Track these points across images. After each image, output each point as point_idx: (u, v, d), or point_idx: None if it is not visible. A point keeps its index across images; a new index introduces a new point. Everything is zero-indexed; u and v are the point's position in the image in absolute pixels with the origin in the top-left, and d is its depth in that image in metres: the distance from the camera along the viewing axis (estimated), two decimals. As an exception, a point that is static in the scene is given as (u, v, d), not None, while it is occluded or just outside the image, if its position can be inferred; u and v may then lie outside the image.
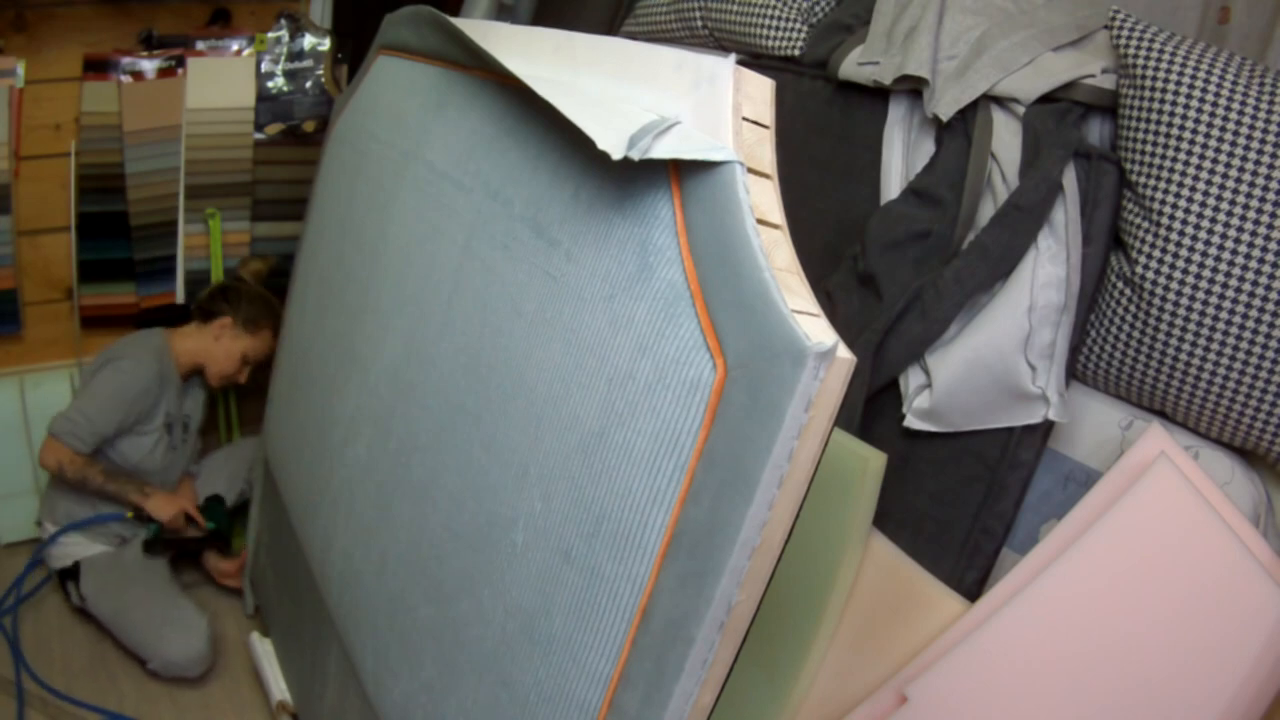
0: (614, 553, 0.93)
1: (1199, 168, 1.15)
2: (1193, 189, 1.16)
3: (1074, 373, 1.33)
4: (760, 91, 0.92)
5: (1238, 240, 1.13)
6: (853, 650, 1.36)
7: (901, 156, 1.45)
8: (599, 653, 0.94)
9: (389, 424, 1.38)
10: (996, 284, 1.31)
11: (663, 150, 0.88)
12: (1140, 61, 1.21)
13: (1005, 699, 1.19)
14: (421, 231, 1.37)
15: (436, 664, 1.20)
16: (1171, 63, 1.18)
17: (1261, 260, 1.11)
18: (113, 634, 2.09)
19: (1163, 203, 1.18)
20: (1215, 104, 1.15)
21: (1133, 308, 1.23)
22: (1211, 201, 1.14)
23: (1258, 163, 1.12)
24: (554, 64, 1.16)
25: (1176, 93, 1.17)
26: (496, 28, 1.31)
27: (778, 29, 1.63)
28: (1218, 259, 1.14)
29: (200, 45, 2.38)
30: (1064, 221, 1.27)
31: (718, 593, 0.83)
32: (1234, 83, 1.15)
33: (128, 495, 2.11)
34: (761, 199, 0.88)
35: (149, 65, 2.33)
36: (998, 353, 1.27)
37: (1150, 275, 1.19)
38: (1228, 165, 1.14)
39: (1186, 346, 1.17)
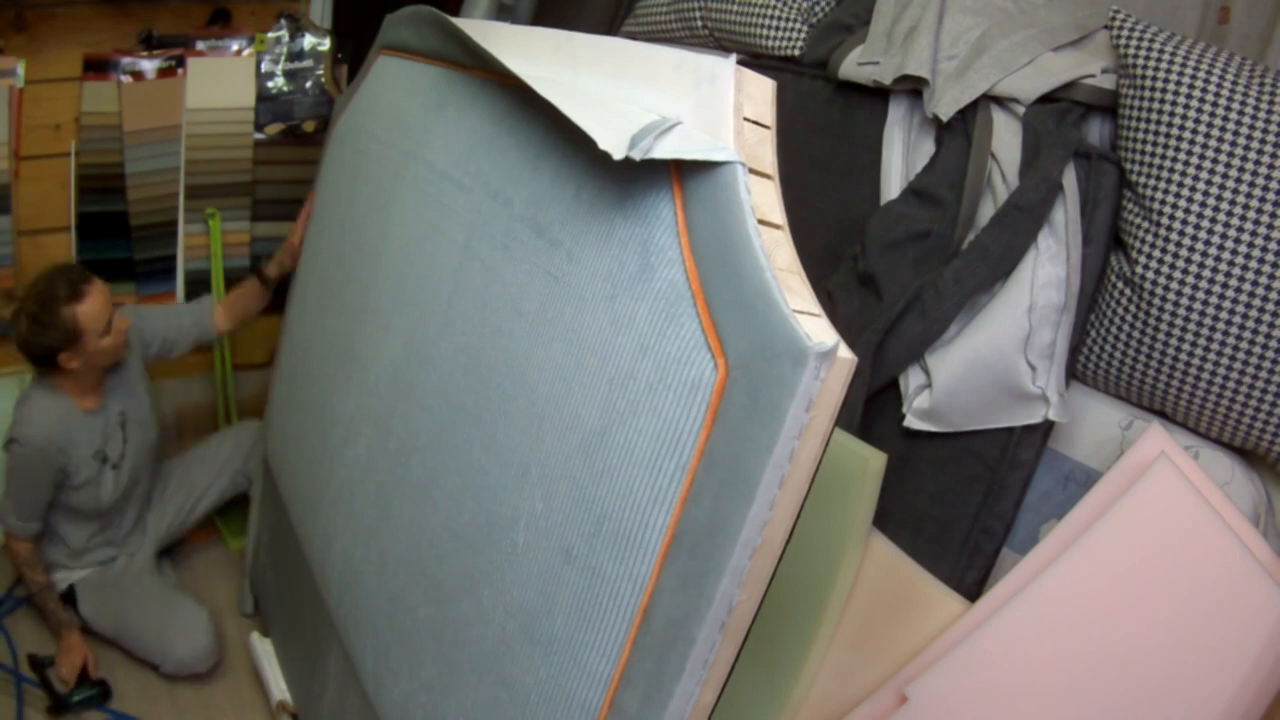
0: (615, 552, 0.93)
1: (1199, 168, 1.15)
2: (1193, 189, 1.16)
3: (1074, 373, 1.33)
4: (761, 92, 0.92)
5: (1238, 240, 1.13)
6: (853, 650, 1.36)
7: (901, 156, 1.45)
8: (600, 653, 0.94)
9: (389, 424, 1.38)
10: (996, 284, 1.32)
11: (664, 150, 0.88)
12: (1140, 61, 1.21)
13: (1005, 699, 1.19)
14: (422, 231, 1.37)
15: (436, 664, 1.20)
16: (1171, 63, 1.18)
17: (1261, 260, 1.11)
18: (121, 646, 2.08)
19: (1163, 203, 1.18)
20: (1215, 104, 1.15)
21: (1133, 308, 1.23)
22: (1211, 201, 1.15)
23: (1258, 163, 1.12)
24: (554, 64, 1.16)
25: (1176, 93, 1.17)
26: (496, 28, 1.31)
27: (778, 29, 1.63)
28: (1218, 259, 1.14)
29: (200, 45, 2.38)
30: (1064, 221, 1.27)
31: (719, 592, 0.83)
32: (1234, 83, 1.15)
33: (51, 616, 2.05)
34: (763, 199, 0.88)
35: (149, 65, 2.33)
36: (998, 353, 1.27)
37: (1150, 275, 1.19)
38: (1228, 165, 1.14)
39: (1186, 346, 1.17)
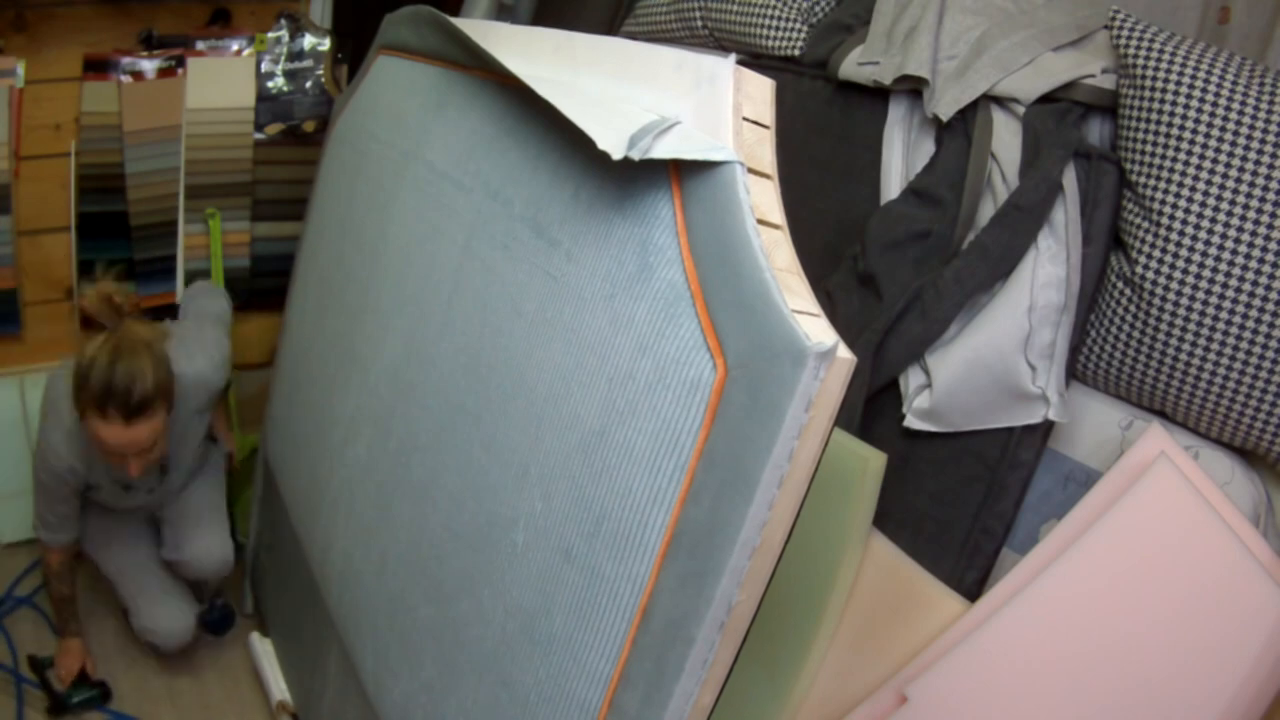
0: (614, 552, 0.93)
1: (1199, 168, 1.15)
2: (1193, 189, 1.16)
3: (1074, 373, 1.33)
4: (760, 91, 0.92)
5: (1238, 240, 1.13)
6: (853, 650, 1.36)
7: (901, 156, 1.45)
8: (599, 652, 0.94)
9: (389, 424, 1.38)
10: (996, 284, 1.31)
11: (663, 150, 0.88)
12: (1140, 61, 1.21)
13: (1005, 699, 1.19)
14: (421, 231, 1.37)
15: (436, 664, 1.20)
16: (1171, 63, 1.18)
17: (1261, 260, 1.11)
18: (105, 576, 2.06)
19: (1163, 203, 1.18)
20: (1215, 104, 1.15)
21: (1133, 308, 1.23)
22: (1211, 201, 1.14)
23: (1258, 163, 1.12)
24: (554, 64, 1.16)
25: (1176, 93, 1.17)
26: (496, 28, 1.31)
27: (778, 29, 1.63)
28: (1218, 259, 1.14)
29: (200, 45, 2.38)
30: (1064, 221, 1.27)
31: (718, 593, 0.83)
32: (1234, 83, 1.15)
33: (61, 624, 2.00)
34: (762, 199, 0.88)
35: (149, 65, 2.33)
36: (998, 353, 1.27)
37: (1150, 275, 1.19)
38: (1228, 165, 1.14)
39: (1186, 346, 1.17)
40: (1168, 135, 1.18)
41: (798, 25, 1.62)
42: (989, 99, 1.35)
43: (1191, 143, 1.16)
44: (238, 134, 2.44)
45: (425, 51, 1.52)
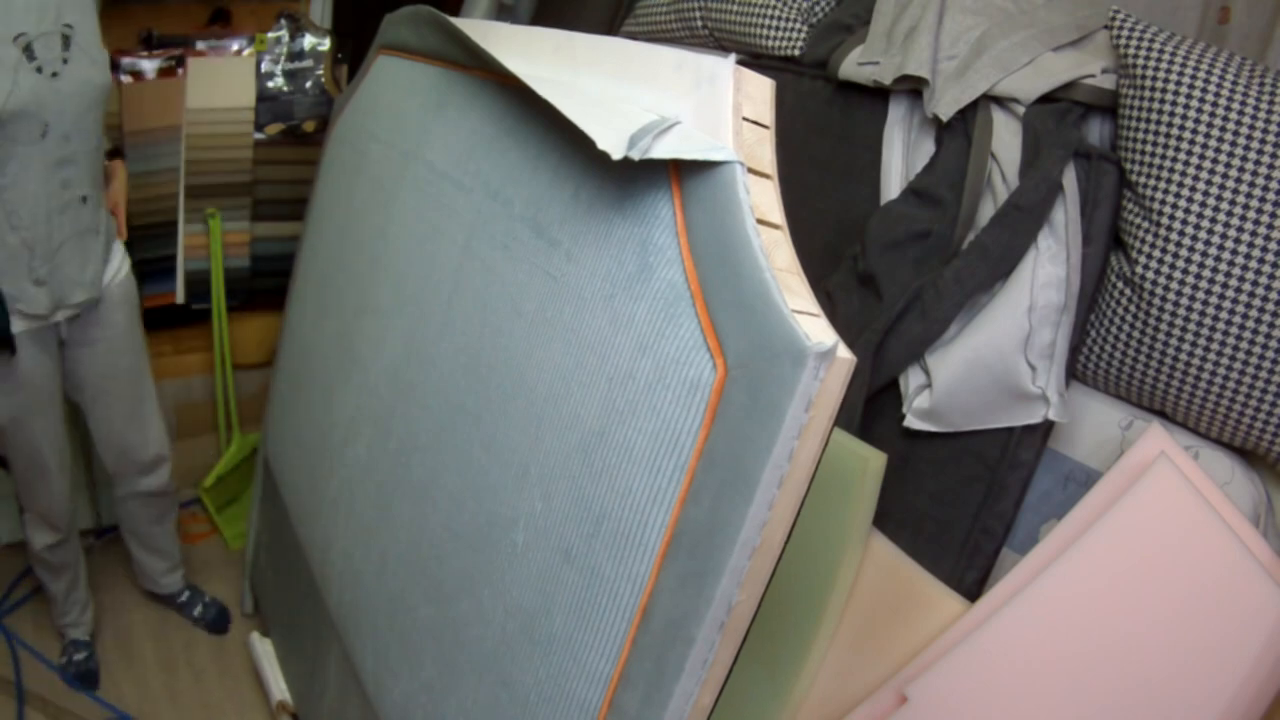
0: (614, 552, 0.93)
1: (1199, 168, 1.15)
2: (1193, 189, 1.16)
3: (1074, 373, 1.33)
4: (760, 91, 0.92)
5: (1238, 240, 1.13)
6: (853, 650, 1.36)
7: (901, 156, 1.45)
8: (599, 652, 0.94)
9: (389, 424, 1.38)
10: (996, 284, 1.31)
11: (663, 150, 0.88)
12: (1140, 61, 1.21)
13: (1005, 699, 1.19)
14: (421, 231, 1.37)
15: (436, 664, 1.20)
16: (1171, 63, 1.18)
17: (1261, 260, 1.11)
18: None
19: (1163, 203, 1.18)
20: (1215, 104, 1.15)
21: (1133, 308, 1.23)
22: (1211, 201, 1.14)
23: (1258, 163, 1.12)
24: (554, 64, 1.16)
25: (1176, 93, 1.17)
26: (496, 28, 1.31)
27: (778, 29, 1.63)
28: (1218, 259, 1.14)
29: (200, 45, 2.38)
30: (1064, 221, 1.27)
31: (718, 593, 0.83)
32: (1234, 83, 1.15)
33: None
34: (762, 199, 0.88)
35: (149, 65, 2.33)
36: (998, 353, 1.27)
37: (1150, 275, 1.19)
38: (1228, 165, 1.14)
39: (1186, 346, 1.17)
40: (1168, 135, 1.18)
41: (798, 25, 1.62)
42: (989, 99, 1.35)
43: (1191, 143, 1.16)
44: (238, 134, 2.44)
45: (425, 51, 1.53)
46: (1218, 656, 1.08)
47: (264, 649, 2.03)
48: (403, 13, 1.64)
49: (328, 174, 1.84)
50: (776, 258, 0.85)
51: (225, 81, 2.41)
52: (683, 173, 0.92)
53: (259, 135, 2.47)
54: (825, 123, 1.56)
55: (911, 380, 1.37)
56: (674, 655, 0.86)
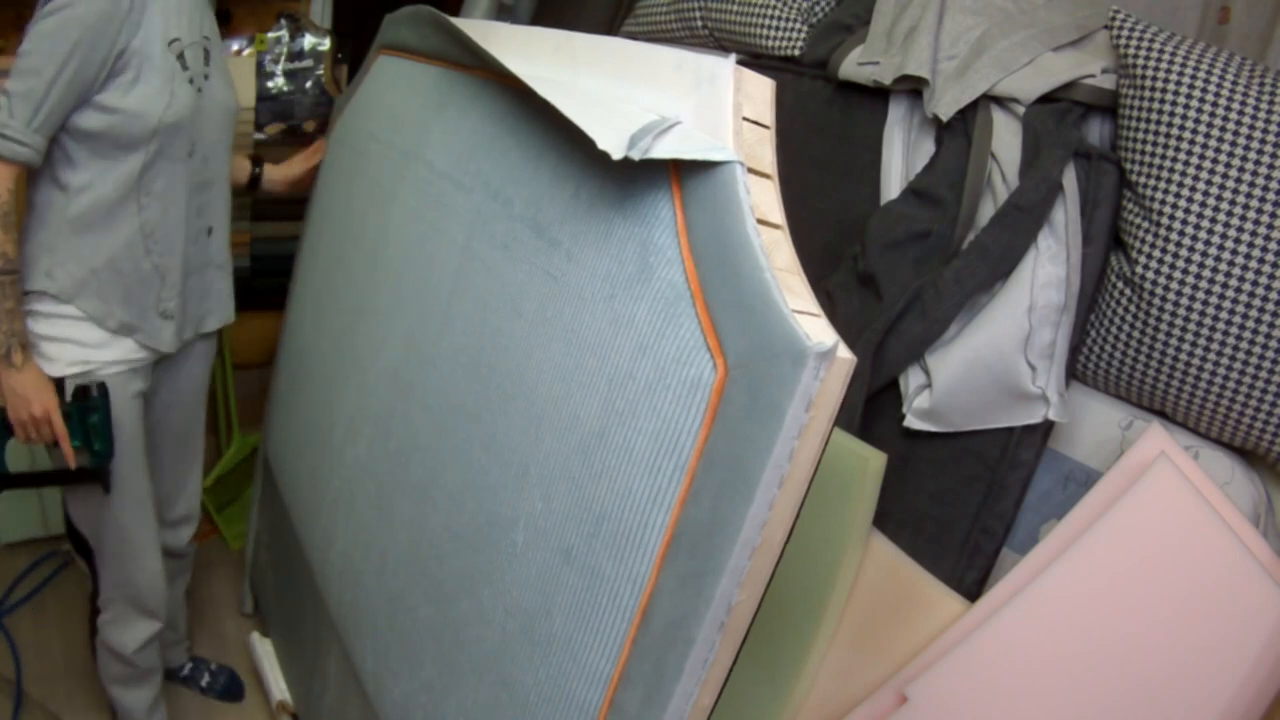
0: (614, 553, 0.93)
1: (1199, 168, 1.15)
2: (1193, 189, 1.16)
3: (1074, 373, 1.33)
4: (760, 91, 0.92)
5: (1238, 240, 1.13)
6: (853, 650, 1.36)
7: (901, 156, 1.45)
8: (599, 653, 0.94)
9: (389, 424, 1.38)
10: (996, 284, 1.32)
11: (663, 150, 0.88)
12: (1140, 61, 1.21)
13: (1005, 699, 1.19)
14: (421, 231, 1.37)
15: (436, 664, 1.20)
16: (1171, 63, 1.18)
17: (1261, 260, 1.11)
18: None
19: (1163, 203, 1.18)
20: (1215, 104, 1.15)
21: (1133, 308, 1.23)
22: (1211, 201, 1.15)
23: (1258, 163, 1.12)
24: (554, 64, 1.16)
25: (1176, 93, 1.17)
26: (496, 28, 1.31)
27: (778, 29, 1.63)
28: (1218, 259, 1.14)
29: (200, 45, 2.38)
30: (1064, 221, 1.27)
31: (718, 593, 0.83)
32: (1234, 83, 1.15)
33: (9, 329, 1.39)
34: (762, 199, 0.88)
35: (149, 65, 2.33)
36: (998, 353, 1.27)
37: (1150, 275, 1.19)
38: (1228, 165, 1.14)
39: (1186, 346, 1.17)
40: (1168, 135, 1.18)
41: (798, 25, 1.62)
42: (989, 99, 1.35)
43: (1191, 143, 1.16)
44: (238, 134, 2.44)
45: (425, 51, 1.53)
46: (1218, 656, 1.08)
47: (264, 649, 2.04)
48: (403, 13, 1.64)
49: (328, 174, 1.84)
50: (777, 258, 0.85)
51: (225, 81, 2.41)
52: (683, 173, 0.92)
53: (259, 135, 2.47)
54: (825, 123, 1.56)
55: (911, 380, 1.37)
56: (674, 655, 0.86)
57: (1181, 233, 1.16)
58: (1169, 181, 1.18)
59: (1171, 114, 1.17)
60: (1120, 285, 1.25)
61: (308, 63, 2.48)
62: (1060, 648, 1.17)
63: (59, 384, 1.45)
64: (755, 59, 1.68)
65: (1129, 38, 1.23)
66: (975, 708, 1.21)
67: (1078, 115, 1.32)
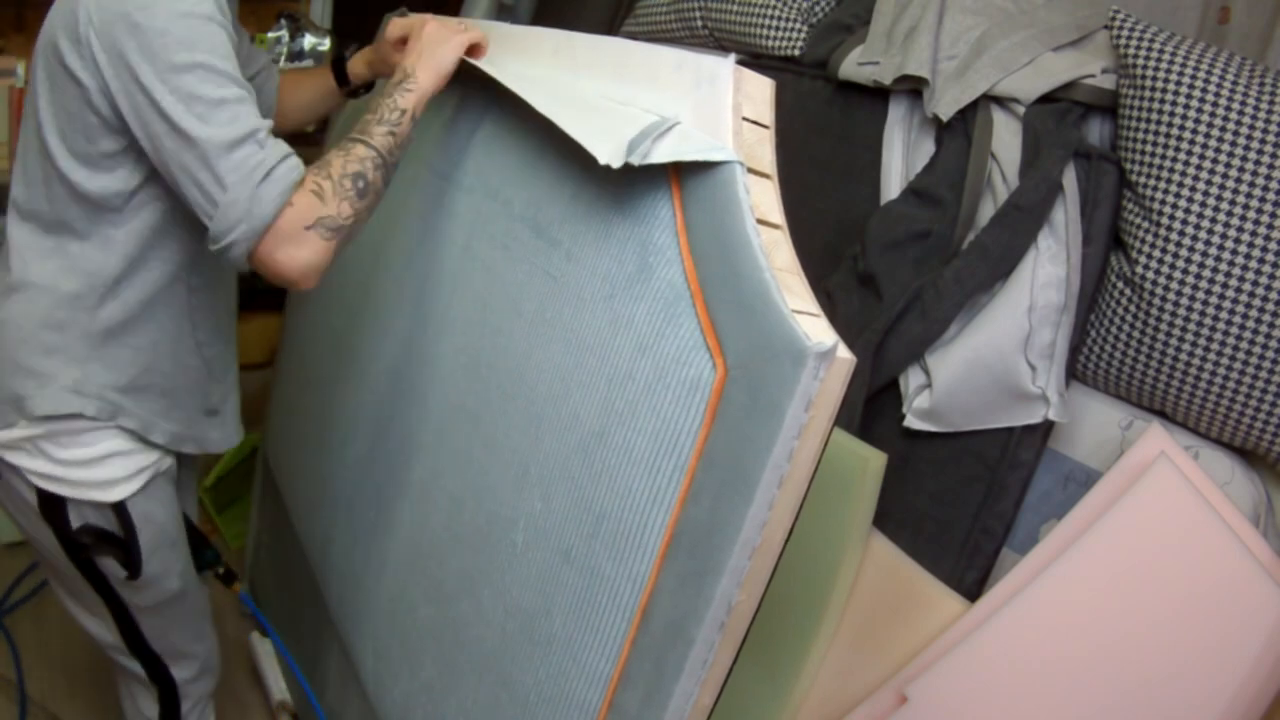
0: (614, 553, 0.93)
1: (1199, 168, 1.15)
2: (1193, 189, 1.16)
3: (1074, 373, 1.33)
4: (760, 91, 0.92)
5: (1238, 240, 1.13)
6: (853, 650, 1.36)
7: (901, 156, 1.45)
8: (599, 653, 0.94)
9: (389, 424, 1.38)
10: (996, 284, 1.31)
11: (662, 154, 0.88)
12: (1140, 61, 1.21)
13: (1005, 699, 1.19)
14: (421, 232, 1.37)
15: (436, 664, 1.20)
16: (1171, 63, 1.18)
17: (1261, 260, 1.11)
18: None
19: (1163, 203, 1.18)
20: (1215, 104, 1.15)
21: (1133, 308, 1.23)
22: (1211, 201, 1.15)
23: (1258, 163, 1.12)
24: (554, 65, 1.16)
25: (1176, 93, 1.17)
26: (496, 28, 1.31)
27: (778, 29, 1.63)
28: (1218, 259, 1.14)
29: (200, 45, 2.38)
30: (1064, 221, 1.27)
31: (718, 593, 0.83)
32: (1234, 83, 1.15)
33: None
34: (762, 199, 0.88)
35: (149, 65, 2.33)
36: (998, 353, 1.27)
37: (1150, 275, 1.19)
38: (1228, 165, 1.14)
39: (1186, 346, 1.17)
40: (1168, 135, 1.18)
41: (798, 25, 1.62)
42: (989, 99, 1.35)
43: (1191, 143, 1.16)
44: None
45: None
46: (1218, 656, 1.08)
47: (264, 649, 2.03)
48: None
49: (328, 174, 1.83)
50: (776, 258, 0.85)
51: (225, 81, 2.41)
52: (682, 173, 0.92)
53: (259, 135, 2.46)
54: (825, 123, 1.56)
55: (911, 380, 1.37)
56: (674, 655, 0.86)
57: (1181, 233, 1.16)
58: (1169, 181, 1.18)
59: (1171, 114, 1.17)
60: (1120, 285, 1.25)
61: (308, 63, 2.48)
62: (1060, 647, 1.17)
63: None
64: (755, 59, 1.68)
65: (1129, 38, 1.23)
66: (975, 708, 1.21)
67: (1078, 115, 1.32)
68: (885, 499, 1.34)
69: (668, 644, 0.87)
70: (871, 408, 1.42)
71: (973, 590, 1.33)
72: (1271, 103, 1.13)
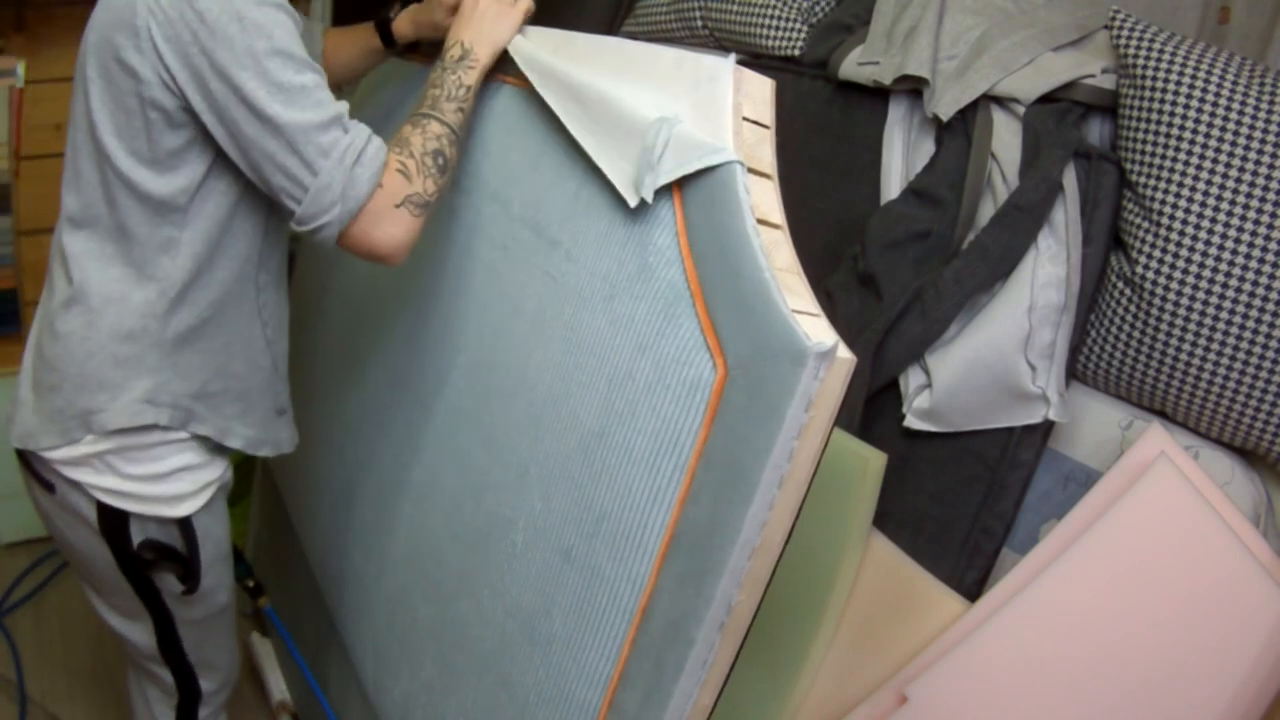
0: (614, 553, 0.93)
1: (1199, 168, 1.15)
2: (1193, 189, 1.16)
3: (1074, 373, 1.33)
4: (760, 91, 0.92)
5: (1238, 240, 1.13)
6: (853, 650, 1.36)
7: (901, 156, 1.45)
8: (599, 653, 0.94)
9: (388, 424, 1.38)
10: (996, 284, 1.31)
11: (667, 174, 0.89)
12: (1140, 61, 1.21)
13: (1005, 699, 1.19)
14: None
15: (436, 664, 1.20)
16: (1171, 63, 1.18)
17: (1261, 260, 1.11)
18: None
19: (1163, 203, 1.18)
20: (1215, 104, 1.15)
21: (1133, 308, 1.23)
22: (1211, 201, 1.14)
23: (1258, 163, 1.12)
24: (556, 64, 1.16)
25: (1176, 93, 1.17)
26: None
27: (778, 29, 1.63)
28: (1218, 259, 1.14)
29: (200, 45, 2.37)
30: (1064, 221, 1.27)
31: (718, 593, 0.83)
32: (1234, 83, 1.15)
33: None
34: (762, 199, 0.88)
35: (149, 65, 2.33)
36: (998, 353, 1.27)
37: (1150, 275, 1.19)
38: (1228, 165, 1.14)
39: (1186, 346, 1.17)
40: (1168, 135, 1.18)
41: (798, 25, 1.62)
42: (989, 99, 1.35)
43: (1191, 143, 1.16)
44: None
45: (425, 52, 1.52)
46: (1218, 656, 1.08)
47: (264, 649, 2.04)
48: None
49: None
50: (777, 258, 0.85)
51: (225, 81, 2.41)
52: (683, 173, 0.92)
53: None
54: (825, 123, 1.56)
55: (911, 380, 1.37)
56: (674, 655, 0.86)
57: (1181, 233, 1.16)
58: (1169, 181, 1.18)
59: (1171, 114, 1.17)
60: (1120, 285, 1.25)
61: (308, 63, 2.47)
62: (1060, 648, 1.17)
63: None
64: (755, 59, 1.68)
65: (1129, 38, 1.23)
66: (975, 708, 1.21)
67: (1078, 115, 1.32)
68: (885, 499, 1.34)
69: (668, 644, 0.87)
70: (871, 408, 1.42)
71: (973, 590, 1.33)
72: (1271, 103, 1.13)
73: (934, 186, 1.37)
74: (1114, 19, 1.26)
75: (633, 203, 0.94)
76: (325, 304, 1.70)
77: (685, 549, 0.86)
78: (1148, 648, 1.12)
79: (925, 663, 1.28)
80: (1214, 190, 1.14)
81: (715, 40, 1.77)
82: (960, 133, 1.37)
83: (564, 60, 1.14)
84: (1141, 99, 1.21)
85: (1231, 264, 1.13)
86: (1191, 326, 1.16)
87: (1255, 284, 1.12)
